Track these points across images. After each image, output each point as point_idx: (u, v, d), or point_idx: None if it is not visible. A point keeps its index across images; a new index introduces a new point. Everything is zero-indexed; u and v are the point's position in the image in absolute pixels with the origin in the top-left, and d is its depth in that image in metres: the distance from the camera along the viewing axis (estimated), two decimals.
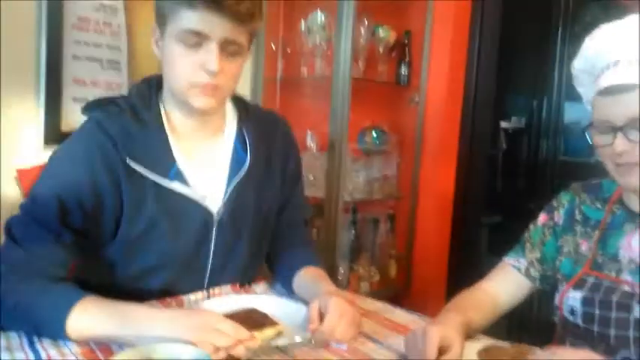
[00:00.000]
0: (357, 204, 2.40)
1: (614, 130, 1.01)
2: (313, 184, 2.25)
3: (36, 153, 1.71)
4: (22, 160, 1.60)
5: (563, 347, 1.05)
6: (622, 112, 1.00)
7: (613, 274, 1.10)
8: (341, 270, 2.29)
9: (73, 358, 0.83)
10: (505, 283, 1.22)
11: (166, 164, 1.06)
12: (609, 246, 1.13)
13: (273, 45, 2.38)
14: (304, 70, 2.31)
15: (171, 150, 1.07)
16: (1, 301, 0.89)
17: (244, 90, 2.24)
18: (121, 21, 1.88)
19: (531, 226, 1.28)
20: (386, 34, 2.39)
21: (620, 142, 1.01)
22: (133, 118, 1.06)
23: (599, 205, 1.19)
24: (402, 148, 2.55)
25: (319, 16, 2.22)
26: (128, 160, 1.02)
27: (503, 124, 3.43)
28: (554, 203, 1.27)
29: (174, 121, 1.11)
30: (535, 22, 3.45)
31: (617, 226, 1.13)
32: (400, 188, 2.56)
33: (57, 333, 0.87)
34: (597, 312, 1.07)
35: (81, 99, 1.76)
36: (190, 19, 0.96)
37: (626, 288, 1.06)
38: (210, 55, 0.98)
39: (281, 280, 1.23)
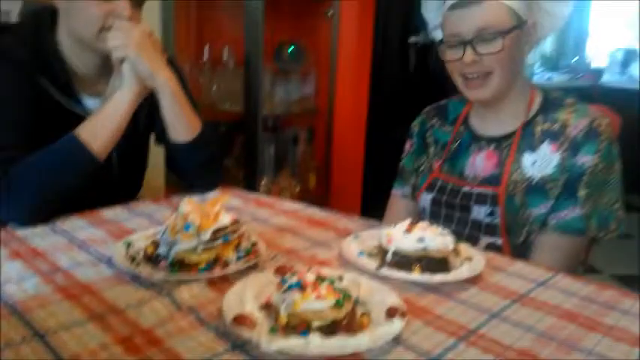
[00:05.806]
0: (277, 119, 2.46)
1: (464, 43, 1.09)
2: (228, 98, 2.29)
3: None
4: None
5: None
6: (470, 24, 1.08)
7: (456, 177, 1.22)
8: (263, 182, 2.39)
9: None
10: (401, 214, 1.31)
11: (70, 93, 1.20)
12: (456, 165, 1.24)
13: None
14: None
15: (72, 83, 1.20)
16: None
17: (155, 5, 2.16)
18: None
19: (403, 156, 1.38)
20: None
21: (468, 54, 1.08)
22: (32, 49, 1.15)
23: (446, 128, 1.28)
24: (319, 63, 2.60)
25: None
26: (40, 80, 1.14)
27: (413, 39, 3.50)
28: (410, 129, 1.36)
29: (75, 62, 1.21)
30: None
31: (464, 148, 1.23)
32: (317, 103, 2.64)
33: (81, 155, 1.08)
34: (443, 211, 1.21)
35: None
36: None
37: (466, 188, 1.18)
38: (122, 2, 1.12)
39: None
